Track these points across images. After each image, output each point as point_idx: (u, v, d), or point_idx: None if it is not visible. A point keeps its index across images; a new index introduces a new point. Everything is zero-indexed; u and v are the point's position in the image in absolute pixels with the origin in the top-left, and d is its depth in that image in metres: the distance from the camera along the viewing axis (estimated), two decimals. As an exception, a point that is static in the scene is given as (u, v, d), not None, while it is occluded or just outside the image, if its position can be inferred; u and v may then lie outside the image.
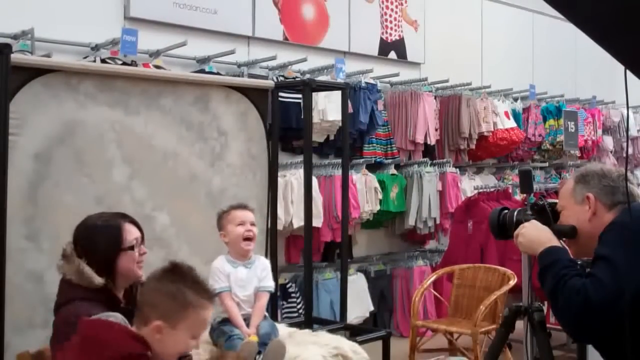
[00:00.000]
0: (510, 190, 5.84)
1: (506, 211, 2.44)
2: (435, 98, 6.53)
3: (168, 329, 1.97)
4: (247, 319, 2.98)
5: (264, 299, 3.07)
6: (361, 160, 5.98)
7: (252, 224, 3.08)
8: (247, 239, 3.04)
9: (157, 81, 3.72)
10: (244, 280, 3.02)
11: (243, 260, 3.05)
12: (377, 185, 5.97)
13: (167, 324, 1.97)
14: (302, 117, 4.40)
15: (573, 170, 6.61)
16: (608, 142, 8.50)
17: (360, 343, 3.42)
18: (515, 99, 7.43)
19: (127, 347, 1.93)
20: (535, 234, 2.25)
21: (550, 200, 2.38)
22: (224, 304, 2.98)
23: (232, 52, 5.24)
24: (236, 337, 2.90)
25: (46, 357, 2.57)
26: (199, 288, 2.05)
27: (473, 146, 6.72)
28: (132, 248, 2.52)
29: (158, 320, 1.97)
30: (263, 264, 3.12)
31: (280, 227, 4.84)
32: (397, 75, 6.45)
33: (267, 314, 3.11)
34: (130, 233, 2.55)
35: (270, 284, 3.09)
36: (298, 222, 5.16)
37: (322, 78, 5.57)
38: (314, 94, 4.45)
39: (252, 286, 3.03)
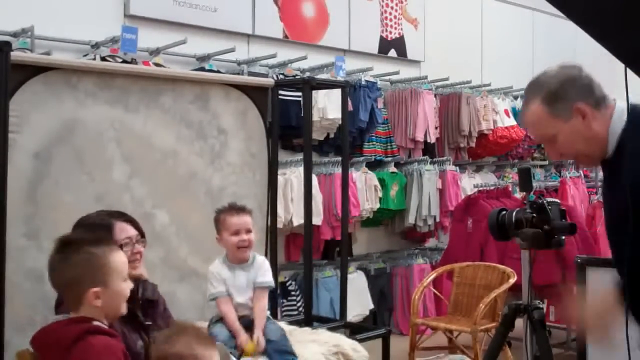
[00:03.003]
0: (510, 189, 5.84)
1: (505, 212, 2.44)
2: (435, 96, 6.52)
3: (103, 290, 2.05)
4: (245, 319, 2.97)
5: (264, 299, 3.01)
6: (361, 159, 5.97)
7: (248, 231, 2.99)
8: (242, 247, 2.99)
9: (157, 79, 3.71)
10: (242, 285, 2.97)
11: (241, 263, 3.01)
12: (377, 183, 5.97)
13: (100, 287, 2.04)
14: (302, 115, 4.40)
15: (572, 168, 6.61)
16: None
17: (360, 341, 3.43)
18: (515, 97, 7.41)
19: (72, 332, 1.98)
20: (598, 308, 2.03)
21: (549, 199, 2.38)
22: (220, 309, 2.95)
23: (232, 50, 5.24)
24: (225, 340, 2.87)
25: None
26: (98, 241, 2.14)
27: (473, 144, 6.71)
28: (120, 247, 2.52)
29: (90, 289, 2.03)
30: (260, 263, 3.06)
31: (280, 225, 4.84)
32: (397, 73, 6.45)
33: (270, 317, 3.07)
34: (123, 231, 2.54)
35: (268, 279, 3.04)
36: (298, 220, 5.16)
37: (322, 76, 5.56)
38: (313, 92, 4.45)
39: (251, 290, 2.99)
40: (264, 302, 3.01)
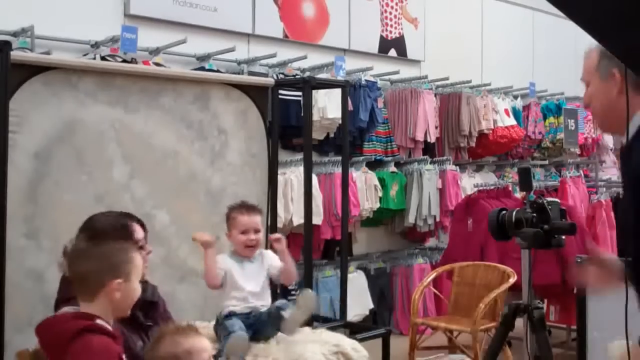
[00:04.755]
0: (510, 188, 5.84)
1: (505, 212, 2.44)
2: (435, 96, 6.52)
3: (124, 284, 2.08)
4: (255, 315, 2.97)
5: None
6: (361, 158, 5.97)
7: (257, 231, 3.04)
8: (249, 246, 3.03)
9: (157, 79, 3.71)
10: (251, 274, 3.01)
11: (247, 257, 3.05)
12: (377, 183, 5.97)
13: (122, 279, 2.08)
14: (302, 114, 4.40)
15: (572, 168, 6.62)
16: (608, 139, 8.49)
17: (360, 341, 3.42)
18: (516, 97, 7.42)
19: (72, 328, 1.99)
20: None
21: (549, 199, 2.38)
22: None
23: (232, 50, 5.24)
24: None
25: (45, 356, 2.58)
26: (123, 238, 2.24)
27: (473, 144, 6.71)
28: (142, 247, 2.53)
29: (115, 279, 2.06)
30: (267, 254, 3.13)
31: (280, 224, 4.84)
32: (397, 73, 6.45)
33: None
34: (138, 233, 2.56)
35: (281, 264, 3.09)
36: (298, 219, 5.16)
37: (322, 76, 5.56)
38: (314, 91, 4.45)
39: (261, 279, 3.03)
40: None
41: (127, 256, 2.11)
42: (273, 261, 3.10)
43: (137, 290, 2.15)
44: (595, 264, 2.16)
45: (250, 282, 3.00)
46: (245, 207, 3.08)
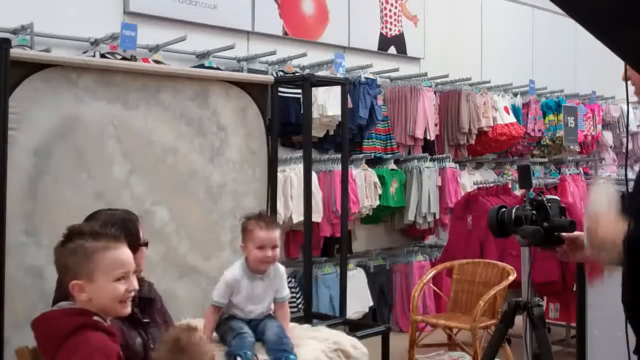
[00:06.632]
0: (509, 186, 5.84)
1: (504, 209, 2.44)
2: (434, 93, 6.52)
3: (88, 284, 2.00)
4: (255, 321, 2.98)
5: (285, 307, 3.06)
6: (361, 156, 5.97)
7: (274, 247, 2.94)
8: (265, 262, 2.95)
9: (157, 76, 3.71)
10: (259, 295, 2.98)
11: (260, 272, 2.99)
12: (377, 180, 5.97)
13: (83, 280, 2.00)
14: (302, 112, 4.40)
15: (572, 165, 6.62)
16: (607, 137, 8.49)
17: (360, 338, 3.42)
18: (515, 94, 7.42)
19: (70, 323, 1.96)
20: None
21: (548, 196, 2.38)
22: (207, 313, 2.94)
23: (231, 47, 5.24)
24: (247, 335, 2.89)
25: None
26: (95, 234, 2.07)
27: (472, 141, 6.72)
28: (146, 244, 2.54)
29: (72, 280, 2.00)
30: (279, 272, 3.04)
31: (279, 222, 4.84)
32: (396, 70, 6.45)
33: (271, 313, 3.07)
34: (142, 230, 2.57)
35: (286, 293, 3.06)
36: (297, 217, 5.16)
37: (322, 73, 5.56)
38: (313, 89, 4.44)
39: (268, 298, 3.01)
40: (285, 310, 3.05)
41: (87, 256, 2.00)
42: (282, 284, 3.04)
43: (108, 290, 2.02)
44: (570, 240, 2.20)
45: (255, 304, 2.97)
46: (264, 221, 2.96)
